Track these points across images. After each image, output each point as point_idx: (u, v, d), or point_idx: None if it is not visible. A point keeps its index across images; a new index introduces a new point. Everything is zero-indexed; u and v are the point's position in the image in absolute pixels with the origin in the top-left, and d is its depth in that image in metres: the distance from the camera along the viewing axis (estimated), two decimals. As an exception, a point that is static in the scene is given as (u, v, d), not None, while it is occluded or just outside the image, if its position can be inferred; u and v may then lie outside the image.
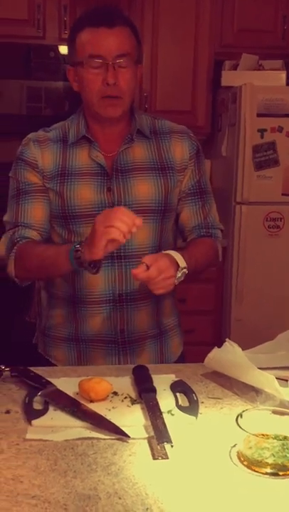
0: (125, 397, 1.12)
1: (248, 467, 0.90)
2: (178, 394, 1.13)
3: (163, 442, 0.94)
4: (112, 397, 1.12)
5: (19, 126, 2.48)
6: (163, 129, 1.46)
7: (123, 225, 1.15)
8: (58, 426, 1.02)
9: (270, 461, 0.89)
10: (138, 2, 2.90)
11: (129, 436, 0.98)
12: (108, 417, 1.03)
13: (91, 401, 1.10)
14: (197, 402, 1.10)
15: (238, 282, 2.82)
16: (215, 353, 1.22)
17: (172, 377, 1.21)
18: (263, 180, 2.77)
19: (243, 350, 1.20)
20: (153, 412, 1.03)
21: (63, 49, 2.78)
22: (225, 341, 1.22)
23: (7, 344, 2.51)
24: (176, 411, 1.07)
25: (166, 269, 1.22)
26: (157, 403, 1.07)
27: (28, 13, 2.84)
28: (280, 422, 0.97)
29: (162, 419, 1.01)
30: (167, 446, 0.94)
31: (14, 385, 1.19)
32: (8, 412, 1.08)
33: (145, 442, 0.98)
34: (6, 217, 1.45)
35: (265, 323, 2.73)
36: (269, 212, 2.81)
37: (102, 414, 1.04)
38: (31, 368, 1.22)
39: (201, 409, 1.09)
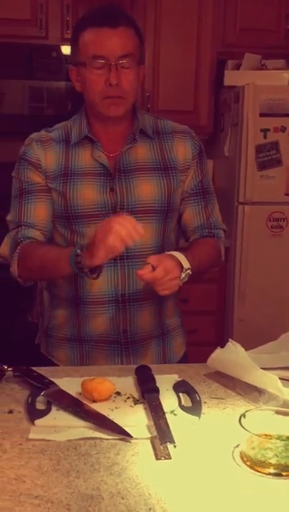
0: (128, 397, 1.12)
1: (251, 467, 0.90)
2: (181, 394, 1.13)
3: (166, 442, 0.94)
4: (114, 397, 1.12)
5: (21, 126, 2.49)
6: (165, 129, 1.46)
7: (122, 229, 1.14)
8: (61, 426, 1.02)
9: (273, 461, 0.89)
10: (140, 2, 2.90)
11: (132, 437, 0.98)
12: (111, 417, 1.03)
13: (94, 401, 1.10)
14: (200, 403, 1.10)
15: (240, 282, 2.82)
16: (218, 353, 1.22)
17: (175, 378, 1.21)
18: (266, 180, 2.77)
19: (245, 350, 1.20)
20: (156, 412, 1.03)
21: (65, 49, 2.79)
22: (228, 341, 1.22)
23: (9, 344, 2.51)
24: (178, 411, 1.07)
25: (171, 270, 1.22)
26: (160, 403, 1.07)
27: (30, 13, 2.84)
28: (283, 422, 0.97)
29: (165, 419, 1.01)
30: (170, 446, 0.94)
31: (17, 385, 1.19)
32: (11, 411, 1.08)
33: (148, 442, 0.98)
34: (9, 217, 1.45)
35: (268, 323, 2.73)
36: (272, 212, 2.81)
37: (104, 414, 1.04)
38: (34, 368, 1.22)
39: (204, 409, 1.09)
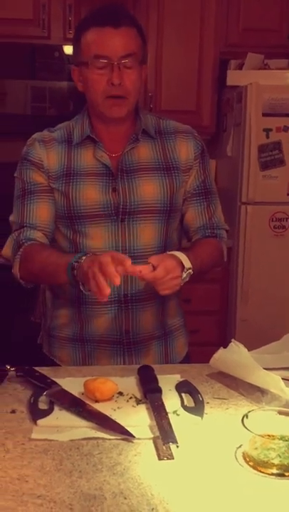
0: (130, 398, 1.12)
1: (254, 468, 0.90)
2: (183, 394, 1.13)
3: (168, 442, 0.94)
4: (117, 397, 1.12)
5: (24, 126, 2.48)
6: (168, 129, 1.46)
7: (101, 280, 1.12)
8: (64, 426, 1.02)
9: (276, 461, 0.89)
10: (143, 2, 2.90)
11: (134, 437, 0.98)
12: (113, 417, 1.03)
13: (96, 401, 1.10)
14: (202, 403, 1.10)
15: (243, 282, 2.82)
16: (220, 354, 1.22)
17: (177, 378, 1.21)
18: (269, 180, 2.77)
19: (248, 350, 1.20)
20: (158, 412, 1.03)
21: (68, 49, 2.79)
22: (230, 342, 1.22)
23: (12, 344, 2.52)
24: (181, 411, 1.07)
25: (172, 270, 1.22)
26: (162, 403, 1.07)
27: (32, 13, 2.84)
28: (286, 422, 0.96)
29: (168, 419, 1.01)
30: (173, 446, 0.94)
31: (19, 384, 1.19)
32: (13, 411, 1.08)
33: (150, 442, 0.98)
34: (11, 218, 1.45)
35: (271, 323, 2.72)
36: (274, 212, 2.80)
37: (107, 414, 1.04)
38: (36, 368, 1.22)
39: (207, 409, 1.09)
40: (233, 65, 2.92)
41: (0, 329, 2.65)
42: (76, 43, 1.37)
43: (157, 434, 0.98)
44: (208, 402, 1.12)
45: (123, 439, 0.98)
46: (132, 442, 0.98)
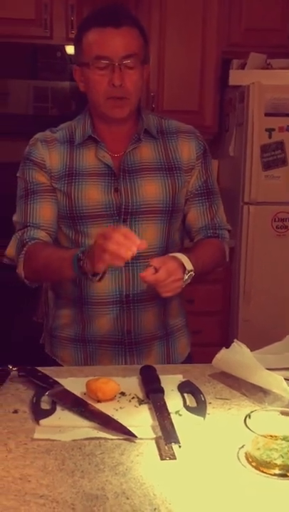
0: (133, 398, 1.12)
1: (257, 468, 0.90)
2: (185, 394, 1.13)
3: (171, 443, 0.94)
4: (119, 397, 1.12)
5: (26, 126, 2.49)
6: (170, 129, 1.46)
7: (118, 248, 1.10)
8: (66, 426, 1.02)
9: (278, 462, 0.89)
10: (145, 2, 2.90)
11: (136, 437, 0.98)
12: (115, 417, 1.03)
13: (98, 401, 1.10)
14: (205, 403, 1.09)
15: (245, 283, 2.81)
16: (223, 354, 1.22)
17: (180, 378, 1.21)
18: (271, 180, 2.76)
19: (250, 351, 1.20)
20: (161, 412, 1.03)
21: (70, 49, 2.79)
22: (233, 342, 1.22)
23: (14, 344, 2.52)
24: (183, 411, 1.07)
25: (174, 272, 1.22)
26: (165, 403, 1.07)
27: (35, 13, 2.85)
28: (289, 422, 0.96)
29: (170, 419, 1.01)
30: (175, 446, 0.94)
31: (22, 384, 1.19)
32: (16, 411, 1.08)
33: (153, 442, 0.97)
34: (15, 218, 1.45)
35: (273, 323, 2.72)
36: (277, 212, 2.80)
37: (109, 414, 1.04)
38: (39, 368, 1.22)
39: (209, 409, 1.09)
40: (235, 65, 2.92)
41: (2, 329, 2.66)
42: (78, 43, 1.37)
43: (159, 434, 0.97)
44: (210, 403, 1.12)
45: (125, 439, 0.98)
46: (134, 442, 0.98)
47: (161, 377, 1.18)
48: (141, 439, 0.98)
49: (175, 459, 0.92)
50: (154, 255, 1.38)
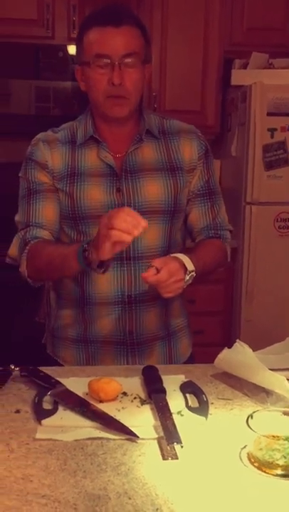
0: (135, 398, 1.12)
1: (259, 468, 0.89)
2: (188, 395, 1.13)
3: (173, 443, 0.94)
4: (121, 397, 1.12)
5: (28, 126, 2.49)
6: (171, 129, 1.46)
7: (125, 225, 1.11)
8: (68, 426, 1.02)
9: (280, 462, 0.88)
10: (147, 2, 2.90)
11: (138, 437, 0.98)
12: (118, 418, 1.03)
13: (100, 401, 1.09)
14: (207, 403, 1.09)
15: (248, 283, 2.81)
16: (225, 354, 1.21)
17: (182, 378, 1.21)
18: (273, 180, 2.76)
19: (253, 351, 1.19)
20: (163, 412, 1.03)
21: (72, 49, 2.79)
22: (235, 342, 1.22)
23: (15, 344, 2.52)
24: (185, 412, 1.06)
25: (176, 273, 1.22)
26: (167, 404, 1.07)
27: (37, 13, 2.85)
28: (291, 423, 0.96)
29: (172, 419, 1.01)
30: (177, 446, 0.94)
31: (24, 384, 1.19)
32: (18, 411, 1.08)
33: (155, 443, 0.97)
34: (17, 218, 1.45)
35: (276, 323, 2.72)
36: (279, 212, 2.79)
37: (111, 414, 1.04)
38: (40, 368, 1.22)
39: (211, 410, 1.09)
40: (237, 65, 2.92)
41: (4, 330, 2.66)
42: (79, 43, 1.37)
43: (162, 434, 0.97)
44: (212, 403, 1.12)
45: (127, 439, 0.98)
46: (137, 442, 0.97)
47: (163, 377, 1.18)
48: (143, 439, 0.98)
49: (177, 459, 0.92)
50: (156, 255, 1.38)
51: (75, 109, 2.83)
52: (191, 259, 1.27)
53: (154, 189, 1.40)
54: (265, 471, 0.89)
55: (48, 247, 1.36)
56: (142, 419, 1.04)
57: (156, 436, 0.99)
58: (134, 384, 1.18)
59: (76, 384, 1.15)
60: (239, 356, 1.19)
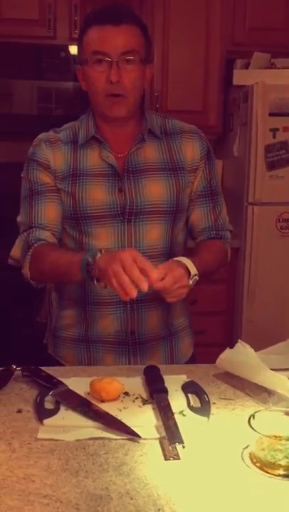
0: (136, 398, 1.12)
1: (261, 469, 0.89)
2: (189, 395, 1.13)
3: (175, 443, 0.94)
4: (123, 397, 1.12)
5: (30, 126, 2.49)
6: (173, 129, 1.46)
7: (129, 286, 1.11)
8: (70, 426, 1.02)
9: (283, 462, 0.88)
10: (148, 2, 2.90)
11: (140, 437, 0.98)
12: (119, 417, 1.03)
13: (102, 401, 1.09)
14: (209, 403, 1.09)
15: (249, 283, 2.81)
16: (227, 354, 1.21)
17: (184, 378, 1.21)
18: (276, 181, 2.76)
19: (254, 351, 1.19)
20: (164, 412, 1.03)
21: (74, 49, 2.79)
22: (237, 342, 1.22)
23: (17, 344, 2.52)
24: (187, 412, 1.06)
25: (180, 279, 1.22)
26: (169, 404, 1.07)
27: (38, 13, 2.85)
28: (293, 423, 0.96)
29: (174, 419, 1.01)
30: (179, 446, 0.94)
31: (25, 384, 1.19)
32: (19, 411, 1.08)
33: (157, 443, 0.97)
34: (19, 219, 1.45)
35: (277, 324, 2.71)
36: (281, 213, 2.79)
37: (113, 414, 1.04)
38: (42, 368, 1.22)
39: (213, 410, 1.09)
40: (239, 65, 2.91)
41: (6, 330, 2.66)
42: (79, 42, 1.37)
43: (163, 434, 0.97)
44: (214, 403, 1.12)
45: (129, 439, 0.98)
46: (138, 442, 0.97)
47: (165, 377, 1.17)
48: (145, 439, 0.98)
49: (179, 459, 0.92)
50: (157, 255, 1.38)
51: (77, 109, 2.83)
52: (194, 263, 1.28)
53: (156, 189, 1.40)
54: (267, 472, 0.88)
55: (52, 254, 1.35)
56: (143, 419, 1.04)
57: (158, 436, 0.99)
58: (135, 384, 1.18)
59: (78, 384, 1.15)
60: (241, 356, 1.19)
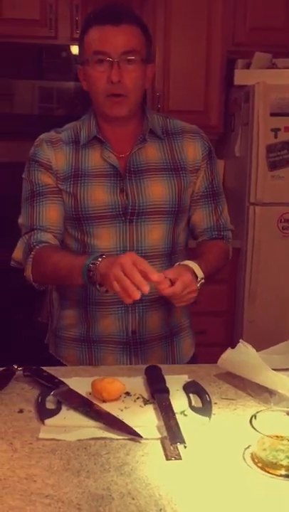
0: (138, 398, 1.12)
1: (262, 469, 0.89)
2: (191, 394, 1.13)
3: (176, 443, 0.94)
4: (124, 397, 1.12)
5: (31, 126, 2.48)
6: (175, 129, 1.46)
7: (131, 289, 1.10)
8: (71, 426, 1.02)
9: (284, 463, 0.88)
10: (150, 2, 2.90)
11: (141, 437, 0.98)
12: (121, 417, 1.03)
13: (104, 401, 1.09)
14: (210, 403, 1.09)
15: (251, 283, 2.81)
16: (228, 354, 1.21)
17: (185, 378, 1.21)
18: (277, 181, 2.75)
19: (256, 351, 1.19)
20: (166, 412, 1.03)
21: (75, 49, 2.79)
22: (238, 342, 1.22)
23: (18, 344, 2.52)
24: (189, 412, 1.06)
25: (189, 284, 1.22)
26: (170, 404, 1.06)
27: (39, 13, 2.85)
28: (295, 423, 0.96)
29: (175, 419, 1.01)
30: (180, 446, 0.94)
31: (27, 384, 1.19)
32: (21, 411, 1.08)
33: (158, 443, 0.97)
34: (20, 220, 1.44)
35: (278, 324, 2.71)
36: (283, 213, 2.79)
37: (114, 414, 1.04)
38: (44, 368, 1.22)
39: (214, 410, 1.09)
40: (240, 65, 2.91)
41: (7, 330, 2.66)
42: (80, 42, 1.37)
43: (165, 434, 0.97)
44: (216, 403, 1.12)
45: (130, 439, 0.98)
46: (140, 442, 0.97)
47: (166, 377, 1.17)
48: (146, 439, 0.98)
49: (180, 459, 0.92)
50: (159, 256, 1.38)
51: (79, 109, 2.83)
52: (200, 266, 1.28)
53: (158, 189, 1.40)
54: (268, 472, 0.88)
55: (54, 256, 1.35)
56: (145, 419, 1.04)
57: (160, 436, 0.99)
58: (137, 384, 1.18)
59: (79, 384, 1.15)
60: (242, 356, 1.19)
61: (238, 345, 1.21)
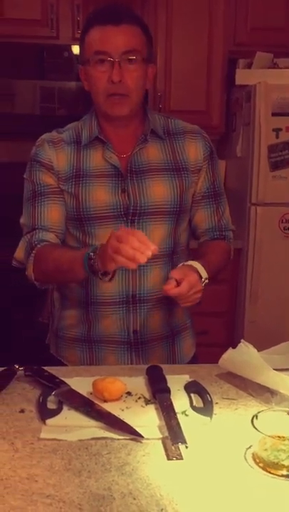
0: (139, 398, 1.12)
1: (264, 469, 0.89)
2: (192, 394, 1.13)
3: (177, 443, 0.94)
4: (125, 397, 1.12)
5: (32, 126, 2.49)
6: (176, 129, 1.46)
7: (132, 252, 1.07)
8: (72, 425, 1.02)
9: (286, 463, 0.88)
10: (151, 2, 2.90)
11: (143, 437, 0.98)
12: (122, 417, 1.03)
13: (105, 401, 1.09)
14: (211, 403, 1.09)
15: (252, 284, 2.80)
16: (230, 354, 1.21)
17: (186, 378, 1.21)
18: (279, 181, 2.75)
19: (257, 351, 1.19)
20: (167, 412, 1.03)
21: (77, 49, 2.77)
22: (240, 342, 1.22)
23: (19, 344, 2.52)
24: (190, 412, 1.06)
25: (195, 284, 1.23)
26: (171, 403, 1.06)
27: (41, 13, 2.85)
28: (296, 423, 0.96)
29: (176, 419, 1.01)
30: (182, 446, 0.94)
31: (28, 384, 1.19)
32: (22, 411, 1.08)
33: (159, 443, 0.97)
34: (22, 220, 1.45)
35: (280, 324, 2.71)
36: (284, 213, 2.78)
37: (115, 414, 1.04)
38: (45, 368, 1.22)
39: (216, 410, 1.08)
40: (241, 64, 2.91)
41: (8, 330, 2.66)
42: (81, 42, 1.37)
43: (166, 434, 0.97)
44: (217, 403, 1.11)
45: (132, 439, 0.98)
46: (141, 442, 0.97)
47: (167, 377, 1.17)
48: (147, 439, 0.98)
49: (182, 459, 0.92)
50: (160, 255, 1.38)
51: (80, 109, 2.83)
52: (203, 266, 1.29)
53: (159, 189, 1.40)
54: (270, 472, 0.88)
55: (55, 252, 1.35)
56: (146, 419, 1.04)
57: (161, 436, 0.99)
58: (138, 384, 1.18)
59: (80, 384, 1.15)
60: (244, 356, 1.18)
61: (239, 345, 1.21)
